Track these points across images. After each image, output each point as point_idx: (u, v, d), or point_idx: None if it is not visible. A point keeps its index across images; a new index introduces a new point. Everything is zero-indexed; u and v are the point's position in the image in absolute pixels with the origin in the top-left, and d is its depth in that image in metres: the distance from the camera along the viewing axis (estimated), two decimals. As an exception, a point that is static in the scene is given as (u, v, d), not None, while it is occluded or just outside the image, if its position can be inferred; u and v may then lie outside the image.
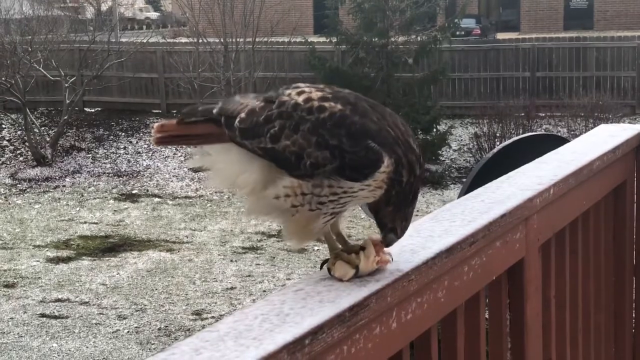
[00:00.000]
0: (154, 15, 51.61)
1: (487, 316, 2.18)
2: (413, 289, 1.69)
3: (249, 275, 13.24)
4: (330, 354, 1.46)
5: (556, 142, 5.18)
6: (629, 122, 20.45)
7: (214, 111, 1.66)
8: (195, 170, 20.00)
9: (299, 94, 1.63)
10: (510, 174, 2.46)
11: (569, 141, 3.41)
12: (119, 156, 21.73)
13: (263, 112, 1.63)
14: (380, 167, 1.59)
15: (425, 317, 1.78)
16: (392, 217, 1.67)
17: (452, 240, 1.85)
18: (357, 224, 15.35)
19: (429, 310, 1.78)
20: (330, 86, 1.68)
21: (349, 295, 1.55)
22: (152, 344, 10.82)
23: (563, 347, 2.58)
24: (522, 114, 20.50)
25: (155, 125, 1.70)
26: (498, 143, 18.00)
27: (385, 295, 1.60)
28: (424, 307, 1.76)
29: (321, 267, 1.72)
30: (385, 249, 1.70)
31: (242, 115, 1.63)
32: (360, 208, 9.57)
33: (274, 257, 14.11)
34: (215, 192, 18.58)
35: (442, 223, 1.97)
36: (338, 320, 1.47)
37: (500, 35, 35.58)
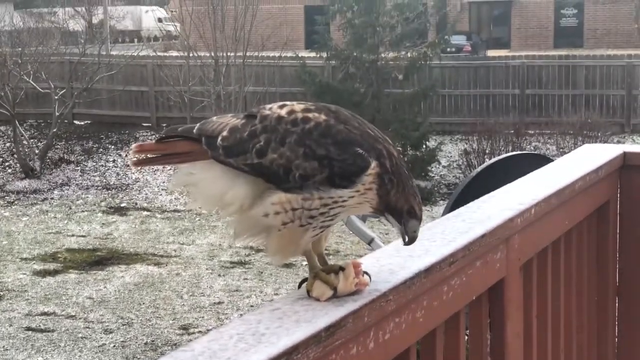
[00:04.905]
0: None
1: (467, 335, 2.17)
2: (391, 309, 1.69)
3: (237, 290, 13.20)
4: (306, 374, 1.46)
5: (542, 161, 5.20)
6: (618, 140, 20.53)
7: (194, 131, 1.67)
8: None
9: (281, 107, 1.65)
10: (492, 193, 2.46)
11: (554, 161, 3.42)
12: (108, 169, 21.68)
13: (246, 128, 1.63)
14: (367, 170, 1.61)
15: (404, 337, 1.77)
16: (404, 197, 1.68)
17: (432, 260, 1.85)
18: (346, 240, 15.33)
19: (407, 330, 1.77)
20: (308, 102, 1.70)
21: (326, 315, 1.54)
22: (138, 359, 10.76)
23: (544, 367, 2.57)
24: (512, 131, 20.55)
25: (134, 145, 1.69)
26: (487, 160, 18.02)
27: (363, 315, 1.60)
28: (402, 327, 1.75)
29: (299, 286, 1.72)
30: (364, 271, 1.70)
31: (225, 133, 1.63)
32: (346, 226, 9.54)
33: (261, 272, 14.07)
34: (204, 206, 18.52)
35: (422, 242, 1.96)
36: (314, 340, 1.46)
37: (491, 53, 35.70)
